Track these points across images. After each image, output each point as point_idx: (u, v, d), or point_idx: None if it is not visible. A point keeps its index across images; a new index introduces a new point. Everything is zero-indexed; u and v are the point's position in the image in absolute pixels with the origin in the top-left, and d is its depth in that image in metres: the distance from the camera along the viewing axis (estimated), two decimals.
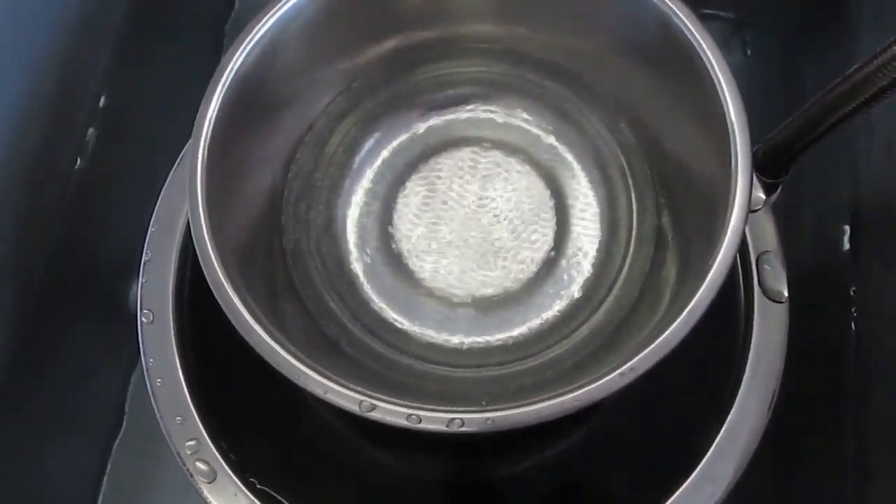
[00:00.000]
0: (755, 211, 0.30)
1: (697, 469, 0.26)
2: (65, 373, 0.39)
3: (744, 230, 0.23)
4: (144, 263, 0.29)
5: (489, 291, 0.27)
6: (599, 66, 0.28)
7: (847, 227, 0.36)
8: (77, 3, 0.37)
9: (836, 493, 0.32)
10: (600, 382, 0.21)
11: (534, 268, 0.27)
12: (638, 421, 0.29)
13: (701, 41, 0.24)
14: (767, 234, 0.29)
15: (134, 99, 0.41)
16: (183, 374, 0.28)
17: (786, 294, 0.28)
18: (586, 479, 0.29)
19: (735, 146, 0.23)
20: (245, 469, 0.27)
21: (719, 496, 0.26)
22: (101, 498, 0.37)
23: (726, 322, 0.28)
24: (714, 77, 0.23)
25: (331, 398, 0.21)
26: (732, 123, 0.23)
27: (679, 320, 0.21)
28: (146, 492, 0.37)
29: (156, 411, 0.27)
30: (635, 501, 0.26)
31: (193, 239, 0.22)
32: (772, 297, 0.28)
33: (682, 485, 0.26)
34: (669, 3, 0.24)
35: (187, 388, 0.27)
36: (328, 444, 0.29)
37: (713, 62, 0.23)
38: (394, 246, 0.28)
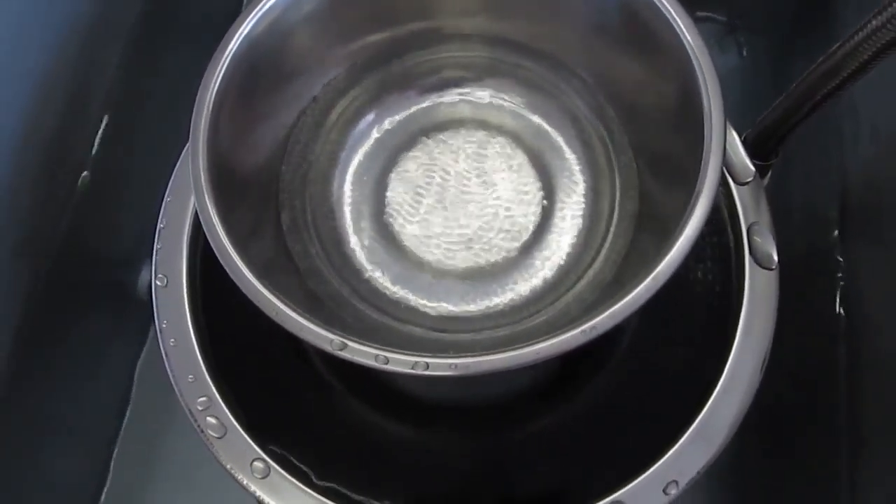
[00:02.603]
0: (745, 184, 0.31)
1: (693, 426, 0.27)
2: (76, 353, 0.40)
3: (715, 192, 0.23)
4: (160, 231, 0.30)
5: (476, 263, 0.28)
6: (576, 48, 0.29)
7: (836, 207, 0.37)
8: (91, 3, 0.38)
9: (828, 460, 0.33)
10: (562, 338, 0.22)
11: (520, 241, 0.28)
12: (638, 380, 0.30)
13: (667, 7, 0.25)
14: (757, 206, 0.30)
15: (146, 90, 0.43)
16: (195, 335, 0.29)
17: (775, 260, 0.29)
18: (588, 440, 0.30)
19: (707, 100, 0.23)
20: (253, 425, 0.28)
21: (714, 452, 0.27)
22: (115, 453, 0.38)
23: (721, 288, 0.30)
24: (683, 39, 0.24)
25: (305, 336, 0.22)
26: (704, 80, 0.24)
27: (643, 284, 0.22)
28: (160, 449, 0.38)
29: (168, 371, 0.28)
30: (635, 457, 0.27)
31: (192, 180, 0.24)
32: (762, 264, 0.29)
33: (678, 441, 0.27)
34: None
35: (199, 348, 0.28)
36: (330, 405, 0.30)
37: (680, 26, 0.24)
38: (387, 218, 0.29)
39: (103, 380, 0.42)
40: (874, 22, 0.24)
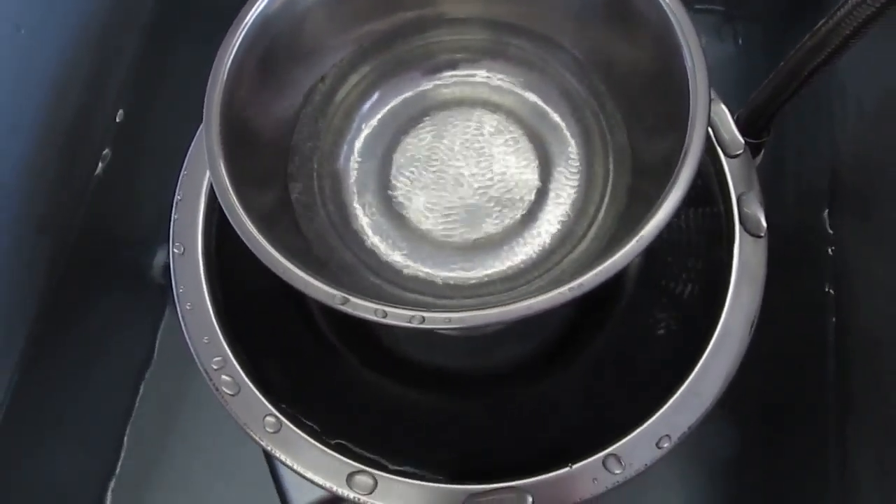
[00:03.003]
0: (735, 156, 0.32)
1: (685, 384, 0.28)
2: (93, 327, 0.41)
3: (699, 158, 0.24)
4: (177, 202, 0.32)
5: (477, 234, 0.30)
6: (567, 27, 0.30)
7: (827, 183, 0.38)
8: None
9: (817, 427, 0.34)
10: (551, 294, 0.22)
11: (518, 213, 0.30)
12: (633, 343, 0.31)
13: None
14: (746, 178, 0.31)
15: (164, 75, 0.45)
16: (209, 299, 0.30)
17: (764, 227, 0.30)
18: (586, 401, 0.31)
19: (692, 67, 0.25)
20: (265, 384, 0.29)
21: (704, 409, 0.28)
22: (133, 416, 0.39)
23: (712, 254, 0.31)
24: (665, 10, 0.25)
25: (311, 292, 0.23)
26: (688, 48, 0.25)
27: (629, 245, 0.23)
28: (177, 410, 0.40)
29: (185, 333, 0.30)
30: (633, 412, 0.28)
31: (205, 147, 0.25)
32: (751, 231, 0.30)
33: (671, 398, 0.28)
34: None
35: (213, 311, 0.30)
36: (338, 368, 0.31)
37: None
38: (390, 192, 0.30)
39: (115, 357, 0.44)
40: None
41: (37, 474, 0.37)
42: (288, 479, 0.34)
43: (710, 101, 0.24)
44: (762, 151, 0.34)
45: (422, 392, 0.33)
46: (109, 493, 0.39)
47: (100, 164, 0.43)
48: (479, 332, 0.35)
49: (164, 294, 0.46)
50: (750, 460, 0.37)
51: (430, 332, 0.35)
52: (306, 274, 0.24)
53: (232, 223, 0.24)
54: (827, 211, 0.38)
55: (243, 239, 0.24)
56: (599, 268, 0.23)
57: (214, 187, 0.25)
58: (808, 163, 0.40)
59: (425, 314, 0.23)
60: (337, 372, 0.32)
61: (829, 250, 0.37)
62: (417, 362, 0.34)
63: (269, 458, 0.34)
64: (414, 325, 0.23)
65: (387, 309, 0.23)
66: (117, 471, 0.40)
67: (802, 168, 0.41)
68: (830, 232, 0.38)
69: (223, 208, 0.24)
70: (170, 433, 0.41)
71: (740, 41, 0.50)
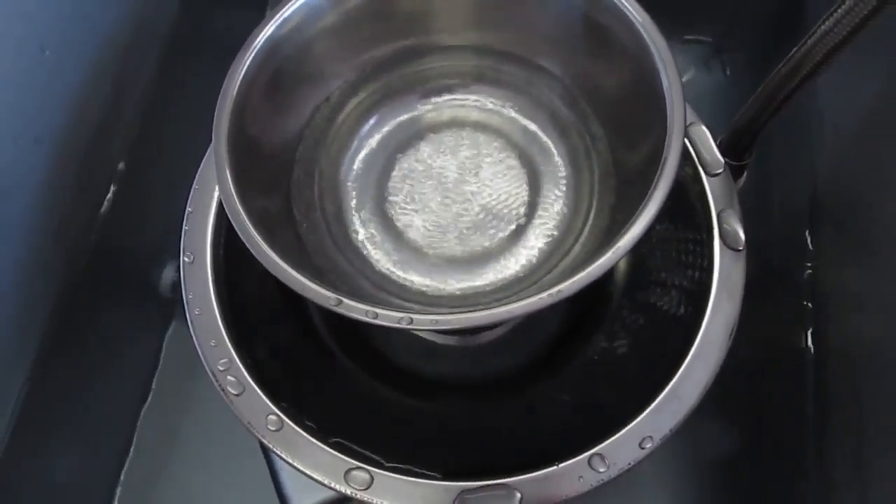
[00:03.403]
0: (716, 175, 0.34)
1: (667, 389, 0.29)
2: (103, 336, 0.43)
3: (675, 172, 0.25)
4: (188, 214, 0.33)
5: (470, 247, 0.31)
6: (552, 53, 0.32)
7: (807, 203, 0.40)
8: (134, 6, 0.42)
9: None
10: (531, 300, 0.24)
11: (509, 228, 0.31)
12: (619, 351, 0.32)
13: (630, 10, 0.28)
14: (726, 195, 0.33)
15: (177, 97, 0.47)
16: (216, 305, 0.31)
17: (742, 241, 0.32)
18: (573, 405, 0.32)
19: (668, 88, 0.26)
20: (267, 384, 0.30)
21: (685, 412, 0.29)
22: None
23: (694, 267, 0.33)
24: (642, 35, 0.27)
25: (307, 294, 0.25)
26: (661, 61, 0.27)
27: (606, 256, 0.24)
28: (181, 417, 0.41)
29: (193, 337, 0.31)
30: (617, 415, 0.29)
31: (214, 157, 0.27)
32: (730, 245, 0.32)
33: (654, 401, 0.29)
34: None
35: (220, 316, 0.31)
36: (337, 373, 0.33)
37: (638, 21, 0.27)
38: (387, 207, 0.32)
39: (126, 365, 0.45)
40: (823, 26, 0.27)
41: (47, 475, 0.38)
42: (288, 483, 0.35)
43: (685, 121, 0.26)
44: (745, 173, 0.36)
45: (418, 398, 0.34)
46: (117, 493, 0.41)
47: (112, 184, 0.45)
48: (474, 342, 0.37)
49: (171, 307, 0.48)
50: (733, 461, 0.38)
51: (427, 342, 0.37)
52: (303, 276, 0.25)
53: (234, 225, 0.26)
54: (808, 229, 0.40)
55: (244, 240, 0.25)
56: (576, 276, 0.24)
57: (220, 191, 0.27)
58: (790, 184, 0.42)
59: (413, 316, 0.24)
60: (336, 376, 0.34)
61: (809, 266, 0.39)
62: (414, 371, 0.36)
63: (270, 463, 0.35)
64: (403, 325, 0.24)
65: (378, 311, 0.24)
66: (123, 473, 0.41)
67: (785, 189, 0.42)
68: (811, 249, 0.40)
69: (227, 211, 0.26)
70: (174, 438, 0.43)
71: (728, 71, 0.52)
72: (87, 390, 0.42)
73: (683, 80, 0.54)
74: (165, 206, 0.46)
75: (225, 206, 0.26)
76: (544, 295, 0.24)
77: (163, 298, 0.47)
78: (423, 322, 0.24)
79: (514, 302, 0.24)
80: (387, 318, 0.24)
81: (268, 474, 0.35)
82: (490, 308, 0.24)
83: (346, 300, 0.24)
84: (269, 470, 0.35)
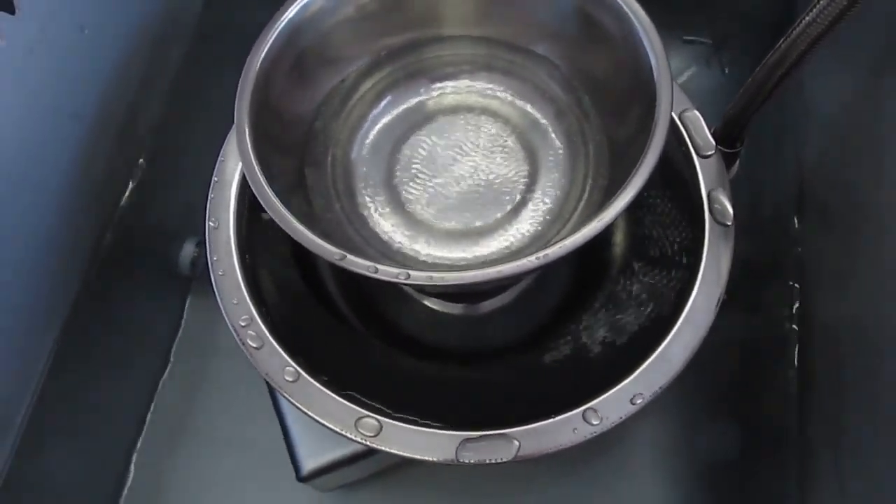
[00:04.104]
0: (707, 157, 0.36)
1: (657, 351, 0.31)
2: (127, 307, 0.45)
3: (658, 155, 0.27)
4: (213, 183, 0.36)
5: (473, 221, 0.33)
6: (551, 43, 0.35)
7: (795, 190, 0.42)
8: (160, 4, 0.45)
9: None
10: (519, 262, 0.26)
11: (509, 204, 0.33)
12: (616, 316, 0.35)
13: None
14: (716, 175, 0.35)
15: (202, 85, 0.49)
16: (238, 266, 0.34)
17: (730, 216, 0.34)
18: (569, 369, 0.34)
19: (655, 60, 0.29)
20: (285, 340, 0.33)
21: (674, 373, 0.31)
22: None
23: (686, 240, 0.35)
24: (631, 21, 0.30)
25: (311, 248, 0.27)
26: (651, 46, 0.29)
27: (589, 226, 0.26)
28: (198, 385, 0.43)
29: (217, 295, 0.33)
30: (610, 373, 0.31)
31: (236, 132, 0.29)
32: (720, 221, 0.34)
33: (646, 361, 0.31)
34: None
35: (241, 277, 0.33)
36: (349, 335, 0.35)
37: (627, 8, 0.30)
38: (395, 183, 0.34)
39: (147, 336, 0.48)
40: (806, 19, 0.29)
41: (72, 420, 0.41)
42: (300, 449, 0.37)
43: (672, 100, 0.28)
44: (738, 161, 0.38)
45: (425, 361, 0.36)
46: (134, 459, 0.43)
47: (139, 163, 0.47)
48: (478, 311, 0.39)
49: (188, 284, 0.50)
50: (720, 436, 0.40)
51: (435, 312, 0.39)
52: (312, 234, 0.27)
53: (249, 182, 0.28)
54: (795, 214, 0.42)
55: (257, 194, 0.27)
56: (562, 243, 0.26)
57: (239, 154, 0.28)
58: (780, 172, 0.44)
59: (410, 272, 0.26)
60: (348, 339, 0.36)
61: (796, 249, 0.41)
62: (421, 337, 0.38)
63: (284, 426, 0.38)
64: (401, 280, 0.26)
65: (378, 266, 0.26)
66: (141, 438, 0.44)
67: (775, 176, 0.45)
68: (798, 232, 0.42)
69: (245, 171, 0.28)
70: (190, 403, 0.45)
71: (726, 70, 0.55)
72: (109, 356, 0.45)
73: (684, 77, 0.57)
74: (186, 188, 0.49)
75: (243, 165, 0.28)
76: (532, 258, 0.26)
77: (181, 276, 0.49)
78: (420, 278, 0.26)
79: (503, 263, 0.26)
80: (386, 273, 0.26)
81: (281, 438, 0.37)
82: (483, 268, 0.26)
83: (349, 256, 0.26)
84: (283, 433, 0.38)
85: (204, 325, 0.48)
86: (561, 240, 0.26)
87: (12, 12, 0.33)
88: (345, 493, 0.44)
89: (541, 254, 0.26)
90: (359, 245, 0.33)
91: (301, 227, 0.27)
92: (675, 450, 0.41)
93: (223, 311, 0.33)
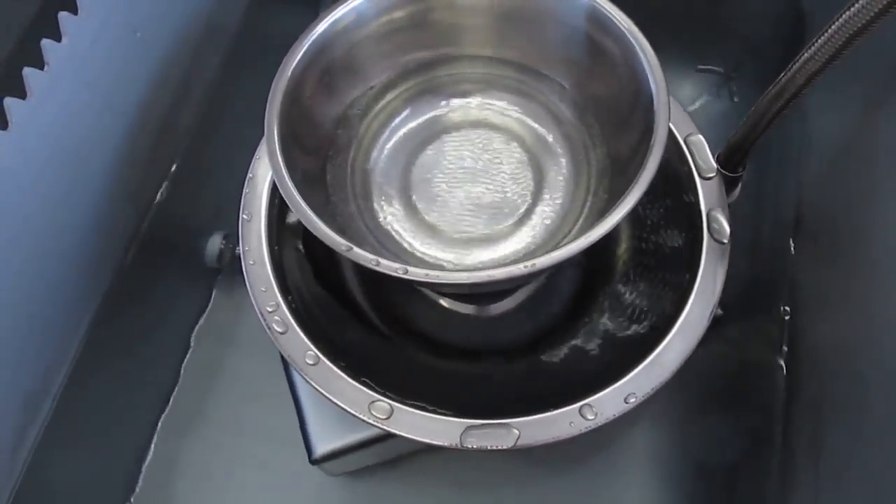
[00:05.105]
0: (708, 178, 0.39)
1: (653, 355, 0.34)
2: (157, 294, 0.48)
3: (652, 176, 0.29)
4: (248, 180, 0.38)
5: (482, 229, 0.36)
6: (559, 65, 0.37)
7: (793, 217, 0.45)
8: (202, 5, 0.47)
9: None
10: (509, 268, 0.28)
11: (516, 215, 0.36)
12: (615, 324, 0.37)
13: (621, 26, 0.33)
14: (716, 196, 0.38)
15: (237, 91, 0.52)
16: (268, 257, 0.36)
17: (727, 234, 0.36)
18: (576, 364, 0.37)
19: (657, 96, 0.31)
20: (308, 327, 0.35)
21: (666, 376, 0.34)
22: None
23: (684, 255, 0.37)
24: (635, 48, 0.32)
25: (321, 237, 0.29)
26: (650, 69, 0.31)
27: (583, 238, 0.28)
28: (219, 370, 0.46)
29: (247, 283, 0.36)
30: (607, 374, 0.33)
31: (265, 133, 0.31)
32: (717, 239, 0.36)
33: (640, 365, 0.34)
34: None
35: (270, 267, 0.36)
36: (363, 325, 0.38)
37: (630, 35, 0.32)
38: (410, 191, 0.36)
39: (171, 324, 0.50)
40: (805, 55, 0.32)
41: (102, 397, 0.43)
42: (314, 433, 0.40)
43: (669, 118, 0.31)
44: (739, 185, 0.40)
45: (436, 356, 0.39)
46: (157, 430, 0.46)
47: (175, 161, 0.50)
48: (487, 313, 0.42)
49: (214, 277, 0.53)
50: (709, 449, 0.43)
51: (448, 311, 0.41)
52: (321, 222, 0.29)
53: (272, 172, 0.30)
54: (792, 238, 0.45)
55: (277, 183, 0.30)
56: (550, 254, 0.29)
57: (266, 148, 0.31)
58: (780, 198, 0.47)
59: (409, 267, 0.29)
60: (365, 332, 0.39)
61: (790, 272, 0.43)
62: (433, 334, 0.40)
63: (300, 412, 0.40)
64: (400, 274, 0.28)
65: (381, 259, 0.29)
66: (166, 411, 0.47)
67: (774, 202, 0.47)
68: (793, 257, 0.44)
69: (269, 163, 0.31)
70: (210, 389, 0.48)
71: (735, 98, 0.57)
72: (139, 338, 0.47)
73: (697, 104, 0.60)
74: (216, 186, 0.51)
75: (269, 160, 0.31)
76: (521, 266, 0.28)
77: (208, 267, 0.52)
78: (417, 274, 0.28)
79: (494, 268, 0.29)
80: (387, 267, 0.28)
81: (296, 424, 0.40)
82: (474, 271, 0.29)
83: (355, 248, 0.29)
84: (298, 418, 0.40)
85: (227, 313, 0.51)
86: (550, 251, 0.29)
87: (75, 12, 0.36)
88: (350, 480, 0.47)
89: (529, 263, 0.28)
90: (371, 243, 0.35)
91: (313, 216, 0.30)
92: (666, 453, 0.43)
93: (252, 298, 0.36)
